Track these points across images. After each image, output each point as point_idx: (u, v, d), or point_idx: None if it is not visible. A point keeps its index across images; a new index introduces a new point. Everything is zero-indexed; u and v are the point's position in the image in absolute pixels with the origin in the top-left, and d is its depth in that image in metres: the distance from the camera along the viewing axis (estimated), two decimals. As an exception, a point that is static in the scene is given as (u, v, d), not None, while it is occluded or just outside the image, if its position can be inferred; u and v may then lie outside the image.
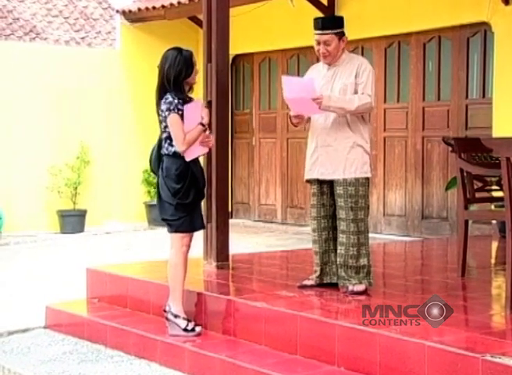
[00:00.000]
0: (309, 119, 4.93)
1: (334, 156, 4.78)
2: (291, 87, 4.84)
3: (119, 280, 5.64)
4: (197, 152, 4.75)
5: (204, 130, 4.76)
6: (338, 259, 4.83)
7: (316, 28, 4.82)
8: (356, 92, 4.77)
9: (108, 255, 8.57)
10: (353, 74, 4.79)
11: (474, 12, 8.69)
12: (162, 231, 11.16)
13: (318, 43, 4.82)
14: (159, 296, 5.22)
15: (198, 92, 11.16)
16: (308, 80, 4.80)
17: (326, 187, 4.87)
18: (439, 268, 6.00)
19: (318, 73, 4.93)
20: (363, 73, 4.79)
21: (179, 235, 4.71)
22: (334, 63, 4.85)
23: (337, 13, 9.88)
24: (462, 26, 8.99)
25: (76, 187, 11.10)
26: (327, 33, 4.77)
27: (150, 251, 8.83)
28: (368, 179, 4.83)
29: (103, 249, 9.41)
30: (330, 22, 4.84)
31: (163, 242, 10.05)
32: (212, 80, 5.76)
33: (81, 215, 11.10)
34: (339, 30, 4.81)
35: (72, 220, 11.00)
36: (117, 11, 11.78)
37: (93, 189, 11.40)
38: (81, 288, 5.98)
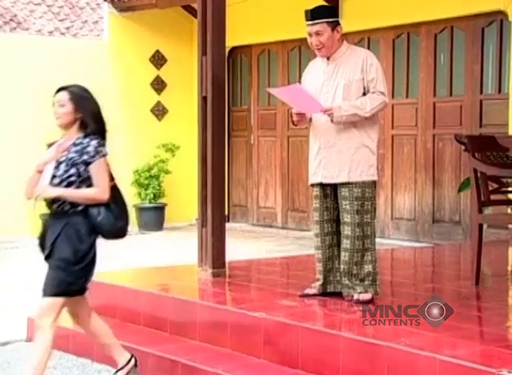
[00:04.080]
0: (310, 118, 4.95)
1: (338, 158, 4.79)
2: (282, 95, 4.94)
3: (107, 288, 5.65)
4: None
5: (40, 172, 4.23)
6: (342, 266, 4.84)
7: (306, 19, 4.84)
8: (362, 89, 4.77)
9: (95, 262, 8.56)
10: (358, 69, 4.79)
11: (489, 1, 8.70)
12: (154, 236, 11.24)
13: (310, 35, 4.84)
14: (150, 306, 5.23)
15: (193, 87, 11.31)
16: (296, 88, 4.85)
17: (330, 189, 4.88)
18: (451, 276, 6.01)
19: (318, 69, 4.94)
20: (370, 67, 4.79)
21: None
22: (333, 56, 4.86)
23: (342, 1, 9.89)
24: (476, 16, 9.00)
25: (60, 189, 11.09)
26: (317, 23, 4.78)
27: (141, 258, 8.83)
28: (374, 181, 4.84)
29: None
30: (320, 11, 4.86)
31: (155, 248, 10.09)
32: (207, 75, 5.77)
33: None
34: (331, 19, 4.81)
35: (57, 224, 10.99)
36: (105, -1, 11.79)
37: (79, 191, 11.39)
38: (66, 298, 5.96)
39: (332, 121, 4.73)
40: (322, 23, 4.78)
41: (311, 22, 4.81)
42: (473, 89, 9.11)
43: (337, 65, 4.85)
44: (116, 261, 8.70)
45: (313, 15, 4.81)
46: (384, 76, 4.87)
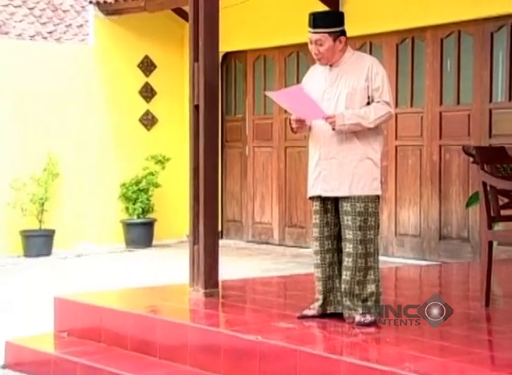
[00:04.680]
0: (310, 126, 4.95)
1: (339, 170, 4.79)
2: (281, 99, 4.91)
3: (92, 310, 5.63)
4: None
5: None
6: (343, 286, 4.83)
7: (308, 25, 4.84)
8: (366, 98, 4.78)
9: (79, 282, 8.54)
10: (362, 77, 4.80)
11: (499, 3, 8.74)
12: (143, 253, 11.23)
13: (311, 42, 4.85)
14: (138, 328, 5.21)
15: (184, 95, 11.25)
16: (298, 91, 4.83)
17: (330, 204, 4.88)
18: (459, 296, 6.00)
19: (319, 74, 4.95)
20: (375, 76, 4.80)
21: None
22: (336, 63, 4.86)
23: (343, 4, 9.94)
24: (485, 19, 9.04)
25: (42, 204, 11.08)
26: (318, 32, 4.78)
27: (128, 277, 8.81)
28: (378, 195, 4.84)
29: (74, 275, 9.39)
30: (323, 19, 4.83)
31: (143, 266, 10.08)
32: (200, 82, 5.78)
33: (48, 235, 11.08)
34: (334, 29, 4.80)
35: (38, 242, 10.98)
36: (90, 1, 11.80)
37: (62, 206, 11.39)
38: (48, 320, 5.95)
39: (333, 129, 4.74)
40: (324, 33, 4.78)
41: (311, 29, 4.81)
42: (482, 97, 9.14)
43: (340, 71, 4.86)
44: (102, 280, 8.69)
45: (315, 22, 4.79)
46: (390, 85, 4.88)
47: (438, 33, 9.54)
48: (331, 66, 4.87)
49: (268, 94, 5.12)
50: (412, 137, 9.80)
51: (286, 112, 10.74)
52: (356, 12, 9.62)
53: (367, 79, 4.79)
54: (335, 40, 4.80)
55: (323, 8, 9.50)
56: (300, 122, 4.88)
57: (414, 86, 9.80)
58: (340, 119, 4.71)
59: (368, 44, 10.08)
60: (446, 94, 9.51)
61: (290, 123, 4.92)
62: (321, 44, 4.79)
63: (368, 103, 4.80)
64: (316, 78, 4.95)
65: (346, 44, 4.85)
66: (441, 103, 9.55)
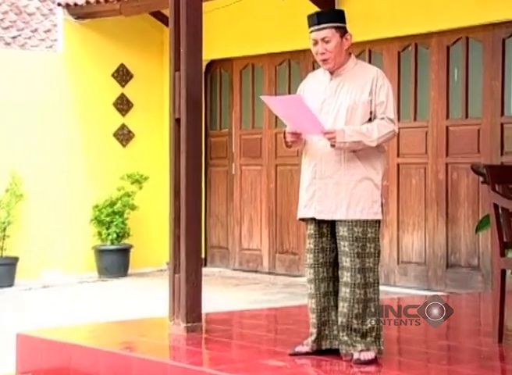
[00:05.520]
0: (305, 140, 4.96)
1: (336, 191, 4.81)
2: (277, 106, 4.91)
3: (60, 347, 5.60)
4: None
5: None
6: (340, 319, 4.83)
7: (311, 24, 4.89)
8: (368, 114, 4.81)
9: (45, 316, 8.50)
10: (366, 90, 4.82)
11: (511, 7, 8.81)
12: (117, 283, 11.19)
13: (315, 42, 4.88)
14: (112, 368, 5.19)
15: (164, 108, 11.20)
16: (296, 100, 4.85)
17: (326, 228, 4.89)
18: (469, 331, 6.01)
19: (318, 83, 4.97)
20: (380, 89, 4.83)
21: None
22: (338, 71, 4.90)
23: (338, 7, 9.99)
24: (496, 25, 9.11)
25: (4, 229, 11.06)
26: (324, 28, 4.84)
27: (101, 310, 8.78)
28: (378, 220, 4.86)
29: (39, 308, 9.34)
30: (327, 14, 4.93)
31: (117, 298, 10.03)
32: (181, 93, 5.80)
33: (11, 264, 11.05)
34: (340, 25, 4.88)
35: (0, 271, 10.95)
36: (59, 4, 11.82)
37: (27, 230, 11.36)
38: (9, 360, 5.91)
39: (332, 146, 4.76)
40: (330, 27, 4.84)
41: (316, 27, 4.86)
42: (492, 110, 9.19)
43: (342, 81, 4.88)
44: (71, 314, 8.66)
45: (319, 18, 4.86)
46: (395, 101, 4.91)
47: (444, 40, 9.60)
48: (332, 73, 4.90)
49: (264, 98, 5.08)
50: (416, 154, 9.84)
51: (276, 126, 10.75)
52: (353, 17, 9.63)
53: (371, 92, 4.82)
54: (342, 36, 4.86)
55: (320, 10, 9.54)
56: (296, 135, 4.89)
57: (417, 98, 9.85)
58: (341, 136, 4.73)
59: (366, 51, 10.14)
60: (453, 106, 9.56)
61: (285, 136, 4.93)
62: (328, 41, 4.84)
63: (370, 119, 4.83)
64: (314, 87, 4.97)
65: (350, 44, 4.90)
66: (447, 117, 9.59)
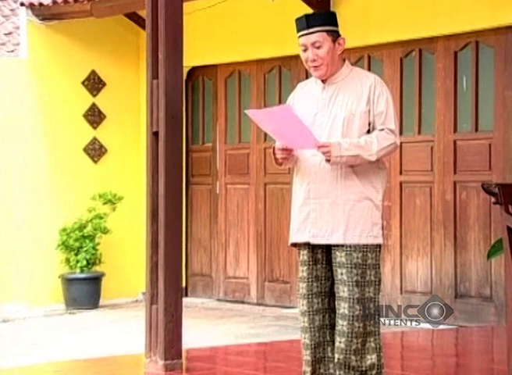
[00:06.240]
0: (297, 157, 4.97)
1: (331, 212, 4.82)
2: (264, 121, 4.92)
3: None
4: None
5: None
6: (336, 356, 4.83)
7: (300, 28, 4.91)
8: (367, 125, 4.82)
9: (5, 354, 8.46)
10: (363, 99, 4.85)
11: (524, 10, 8.87)
12: (88, 316, 11.15)
13: (305, 48, 4.90)
14: (82, 410, 5.17)
15: (140, 119, 11.24)
16: (285, 111, 4.86)
17: (321, 253, 4.90)
18: (481, 369, 6.02)
19: (309, 94, 4.98)
20: (378, 98, 4.85)
21: None
22: (331, 79, 4.92)
23: (334, 9, 10.03)
24: (509, 28, 9.15)
25: (-39, 254, 11.03)
26: (315, 32, 4.86)
27: (67, 347, 8.74)
28: (379, 244, 4.87)
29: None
30: (318, 17, 4.94)
31: (87, 332, 10.00)
32: (160, 104, 5.81)
33: (-32, 294, 11.01)
34: (331, 28, 4.90)
35: (-45, 302, 10.91)
36: (22, 3, 11.80)
37: (-14, 256, 11.33)
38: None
39: (327, 161, 4.77)
40: (321, 31, 4.86)
41: (305, 31, 4.88)
42: (505, 123, 9.22)
43: (336, 91, 4.90)
44: (37, 351, 8.62)
45: (309, 22, 4.87)
46: (396, 110, 4.93)
47: (451, 45, 9.64)
48: (324, 82, 4.92)
49: (249, 113, 5.06)
50: (420, 171, 9.86)
51: (265, 140, 10.76)
52: (350, 19, 9.73)
53: (369, 101, 4.84)
54: (334, 41, 4.88)
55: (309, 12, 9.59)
56: (287, 151, 4.89)
57: (421, 109, 9.89)
58: (337, 150, 4.73)
59: (365, 57, 10.18)
60: (462, 118, 9.59)
61: (274, 153, 4.94)
62: (319, 47, 4.86)
63: (369, 131, 4.85)
64: (305, 98, 4.98)
65: (344, 49, 4.92)
66: (455, 130, 9.63)
